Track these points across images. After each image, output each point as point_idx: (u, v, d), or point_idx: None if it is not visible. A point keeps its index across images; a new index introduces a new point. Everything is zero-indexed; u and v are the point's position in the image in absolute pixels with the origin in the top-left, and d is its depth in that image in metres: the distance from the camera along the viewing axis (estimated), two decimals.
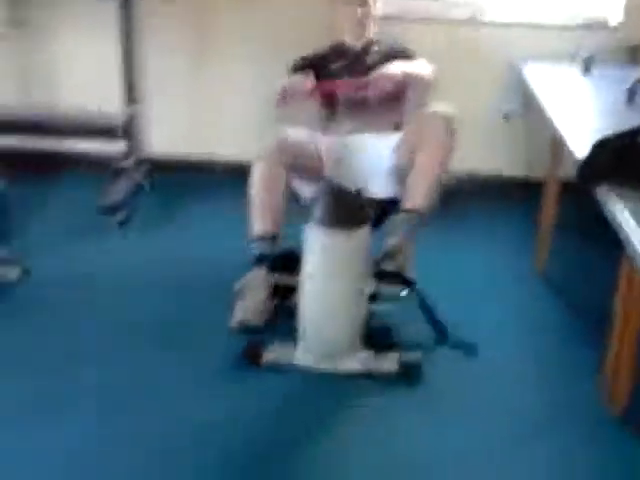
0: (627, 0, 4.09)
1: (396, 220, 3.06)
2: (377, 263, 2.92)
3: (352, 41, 3.43)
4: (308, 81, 3.09)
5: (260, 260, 3.06)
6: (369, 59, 3.37)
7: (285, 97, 3.04)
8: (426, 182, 3.06)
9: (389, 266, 2.95)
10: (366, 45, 3.43)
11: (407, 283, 2.95)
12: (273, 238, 3.09)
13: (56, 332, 3.02)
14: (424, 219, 3.06)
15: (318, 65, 3.35)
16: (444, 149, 3.08)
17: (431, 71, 3.27)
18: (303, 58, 3.42)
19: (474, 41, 4.23)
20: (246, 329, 2.91)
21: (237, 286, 3.03)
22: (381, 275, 2.90)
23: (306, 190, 3.15)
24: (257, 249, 3.08)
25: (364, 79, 3.06)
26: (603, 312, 2.74)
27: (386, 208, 3.13)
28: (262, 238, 3.09)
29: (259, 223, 3.10)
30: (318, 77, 3.23)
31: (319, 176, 3.04)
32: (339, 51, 3.43)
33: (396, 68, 3.12)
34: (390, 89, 3.09)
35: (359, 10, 3.35)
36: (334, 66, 3.39)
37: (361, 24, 3.39)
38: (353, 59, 3.40)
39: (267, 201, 3.11)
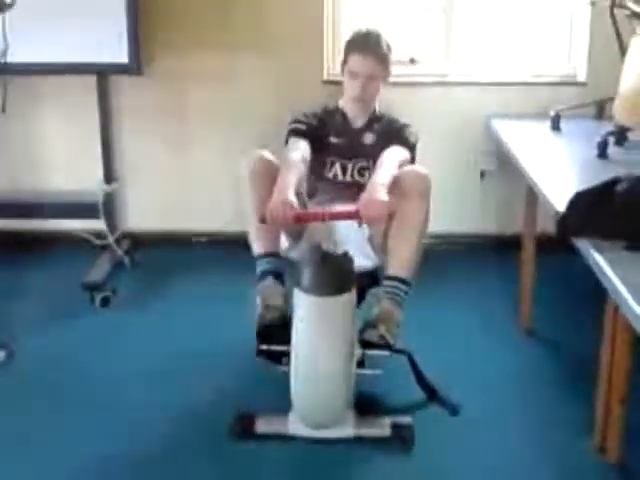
0: (591, 56, 4.20)
1: (379, 290, 3.02)
2: (360, 333, 2.89)
3: (352, 114, 3.26)
4: (292, 211, 2.75)
5: (264, 275, 3.02)
6: (367, 138, 3.24)
7: (265, 220, 2.79)
8: (409, 248, 2.97)
9: (372, 337, 2.91)
10: (368, 122, 3.26)
11: (390, 348, 2.93)
12: (273, 255, 3.03)
13: (41, 412, 2.99)
14: (411, 285, 3.02)
15: (317, 133, 3.18)
16: (424, 209, 2.98)
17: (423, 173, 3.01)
18: (304, 122, 3.19)
19: (447, 101, 4.32)
20: (269, 329, 2.89)
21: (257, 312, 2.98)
22: (365, 344, 2.89)
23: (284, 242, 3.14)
24: (260, 266, 3.03)
25: (353, 209, 2.78)
26: (590, 363, 2.76)
27: (364, 281, 3.02)
28: (263, 256, 3.03)
29: (257, 245, 3.03)
30: (314, 147, 3.11)
31: (298, 234, 3.04)
32: (341, 125, 3.26)
33: (382, 188, 2.80)
34: (381, 217, 2.81)
35: (364, 88, 3.15)
36: (333, 141, 3.23)
37: (364, 101, 3.21)
38: (351, 138, 3.24)
39: (261, 228, 2.96)
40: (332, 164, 3.25)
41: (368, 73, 3.14)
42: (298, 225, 2.95)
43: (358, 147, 3.23)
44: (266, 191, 2.86)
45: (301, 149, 3.07)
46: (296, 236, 3.10)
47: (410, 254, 2.99)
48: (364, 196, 2.79)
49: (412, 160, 3.15)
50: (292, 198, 2.78)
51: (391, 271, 3.01)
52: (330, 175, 3.26)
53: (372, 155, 3.16)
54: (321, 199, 3.24)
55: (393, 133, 3.19)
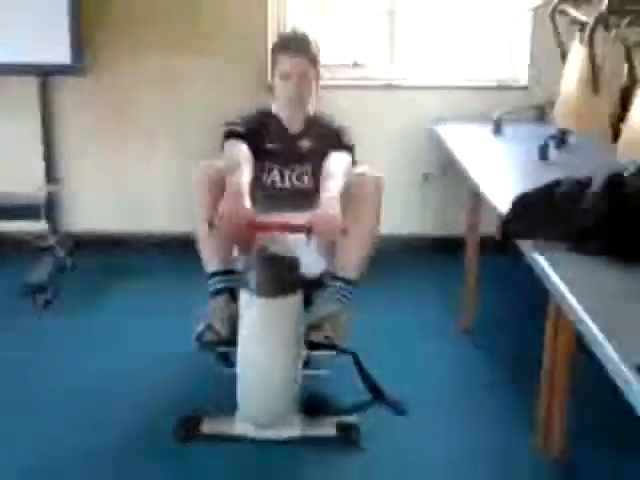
0: (532, 61, 4.27)
1: (327, 291, 3.03)
2: (305, 334, 2.89)
3: (287, 118, 3.17)
4: (248, 218, 2.71)
5: (217, 293, 3.00)
6: (304, 144, 3.16)
7: (213, 224, 2.72)
8: (358, 249, 2.97)
9: (317, 338, 2.92)
10: (304, 127, 3.18)
11: (336, 349, 2.95)
12: (227, 272, 3.00)
13: None
14: (357, 285, 3.04)
15: (254, 138, 3.09)
16: (375, 212, 3.00)
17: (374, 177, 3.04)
18: (241, 124, 3.11)
19: (390, 105, 4.35)
20: (210, 341, 2.89)
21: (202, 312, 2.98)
22: (312, 345, 2.91)
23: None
24: (213, 285, 3.01)
25: (306, 224, 2.72)
26: (531, 362, 2.80)
27: (312, 287, 3.03)
28: (217, 274, 3.00)
29: (211, 262, 2.99)
30: (254, 152, 3.04)
31: (248, 243, 2.95)
32: (277, 130, 3.17)
33: (333, 203, 2.76)
34: (333, 233, 2.76)
35: (297, 88, 3.08)
36: (270, 146, 3.15)
37: (298, 102, 3.12)
38: (288, 143, 3.16)
39: (212, 242, 2.95)
40: (270, 170, 3.18)
41: (299, 72, 3.06)
42: (246, 234, 2.81)
43: (295, 153, 3.17)
44: (215, 200, 2.80)
45: (242, 150, 3.01)
46: (245, 245, 2.97)
47: (359, 256, 3.00)
48: (317, 212, 2.75)
49: (353, 162, 3.13)
50: (248, 204, 2.74)
51: (339, 272, 3.03)
52: (269, 181, 3.18)
53: (310, 160, 3.14)
54: (262, 206, 3.06)
55: (331, 137, 3.13)
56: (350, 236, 2.80)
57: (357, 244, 2.95)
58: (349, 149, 3.12)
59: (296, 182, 3.19)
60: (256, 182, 3.10)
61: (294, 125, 3.19)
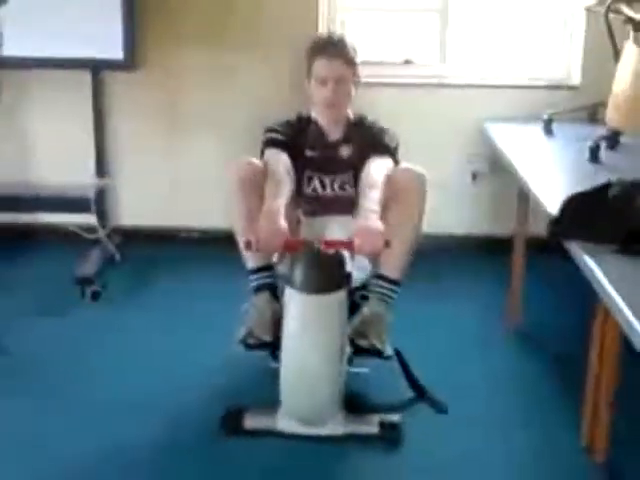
0: (585, 61, 4.21)
1: (371, 291, 3.00)
2: (351, 339, 2.88)
3: (326, 124, 3.12)
4: (282, 238, 2.68)
5: (259, 289, 2.99)
6: (344, 151, 3.10)
7: (250, 247, 2.69)
8: (402, 249, 2.91)
9: (362, 343, 2.90)
10: (344, 134, 3.12)
11: (381, 356, 2.93)
12: (267, 268, 2.99)
13: (29, 408, 2.98)
14: (400, 285, 3.01)
15: (293, 146, 3.06)
16: (418, 208, 2.94)
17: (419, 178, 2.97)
18: (281, 131, 3.08)
19: (441, 103, 4.33)
20: (254, 344, 2.87)
21: (244, 308, 2.99)
22: (356, 350, 2.90)
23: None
24: (254, 281, 3.00)
25: (348, 240, 2.69)
26: (578, 364, 2.77)
27: (357, 293, 3.01)
28: (257, 270, 2.99)
29: (251, 259, 2.97)
30: (295, 159, 3.02)
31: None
32: (316, 138, 3.12)
33: (375, 216, 2.70)
34: (377, 248, 2.70)
35: (334, 92, 3.00)
36: (309, 154, 3.10)
37: (336, 107, 3.07)
38: (328, 151, 3.11)
39: None
40: (310, 179, 3.13)
41: (337, 76, 2.99)
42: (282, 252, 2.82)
43: (336, 162, 3.11)
44: (253, 201, 2.82)
45: (283, 162, 2.97)
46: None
47: (403, 255, 2.96)
48: (358, 227, 2.69)
49: (396, 163, 3.06)
50: (283, 224, 2.69)
51: (382, 270, 3.01)
52: (309, 190, 3.14)
53: (351, 168, 3.08)
54: (304, 211, 3.12)
55: (371, 142, 3.06)
56: (394, 235, 2.75)
57: (401, 243, 2.88)
58: (390, 151, 3.06)
59: (338, 190, 3.14)
60: (297, 190, 3.07)
61: (334, 132, 3.13)
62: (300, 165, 3.07)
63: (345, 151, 3.12)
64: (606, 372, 2.57)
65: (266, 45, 4.28)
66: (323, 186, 3.14)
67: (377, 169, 2.94)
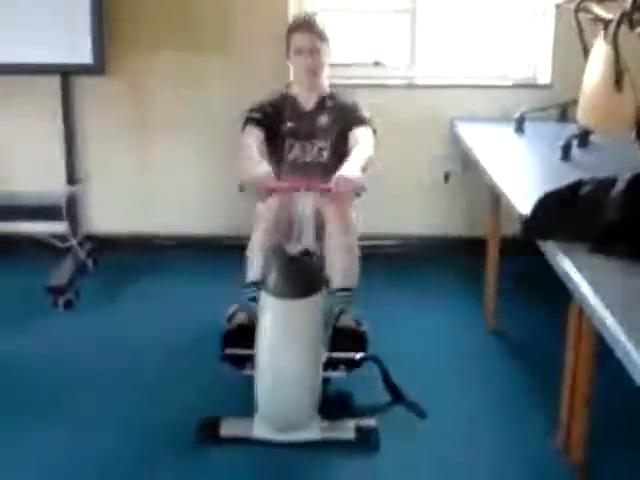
0: (555, 59, 4.22)
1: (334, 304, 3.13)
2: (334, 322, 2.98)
3: (304, 92, 3.43)
4: (269, 181, 2.95)
5: (254, 300, 3.05)
6: (321, 120, 3.40)
7: (244, 190, 2.96)
8: (350, 256, 3.16)
9: (347, 321, 3.05)
10: (318, 104, 3.43)
11: (361, 345, 2.94)
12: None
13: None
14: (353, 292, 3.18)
15: (272, 122, 3.37)
16: (349, 212, 3.20)
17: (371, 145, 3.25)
18: (258, 110, 3.38)
19: (410, 104, 4.32)
20: (236, 332, 2.99)
21: (229, 311, 3.10)
22: (337, 336, 2.95)
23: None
24: (251, 293, 3.10)
25: (327, 184, 2.92)
26: (554, 363, 2.77)
27: None
28: (254, 284, 3.08)
29: (251, 272, 3.13)
30: (271, 135, 3.33)
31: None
32: (293, 109, 3.42)
33: (354, 167, 2.97)
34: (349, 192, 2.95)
35: (310, 60, 3.36)
36: (289, 125, 3.39)
37: (312, 74, 3.39)
38: (305, 120, 3.40)
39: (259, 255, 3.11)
40: (291, 146, 3.40)
41: (311, 46, 3.35)
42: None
43: (314, 129, 3.40)
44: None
45: (255, 135, 3.29)
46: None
47: (352, 263, 3.18)
48: (337, 174, 2.92)
49: (374, 131, 3.34)
50: (266, 167, 3.00)
51: (339, 284, 3.12)
52: (292, 157, 3.39)
53: (329, 135, 3.38)
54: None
55: (347, 115, 3.37)
56: (338, 247, 3.10)
57: (347, 252, 3.15)
58: (368, 122, 3.35)
59: (316, 156, 3.40)
60: (280, 159, 3.38)
61: (309, 103, 3.44)
62: (281, 136, 3.39)
63: (322, 120, 3.42)
64: (582, 371, 2.56)
65: (235, 47, 4.26)
66: (304, 152, 3.40)
67: (361, 137, 3.26)
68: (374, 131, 3.34)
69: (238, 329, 3.02)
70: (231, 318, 3.09)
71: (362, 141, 3.22)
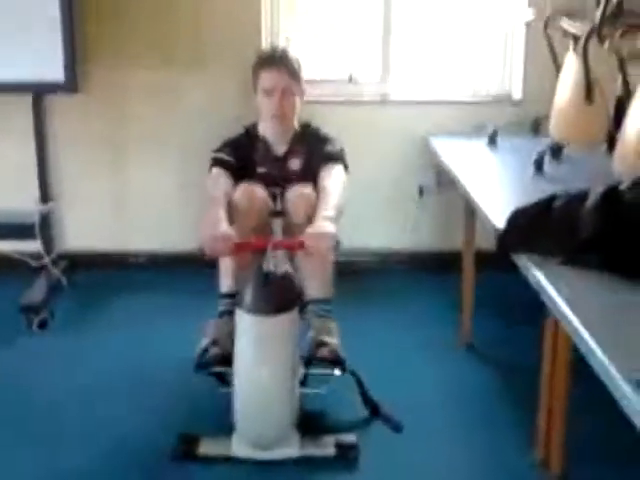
0: (526, 75, 4.26)
1: (309, 315, 3.06)
2: (310, 354, 2.92)
3: (273, 138, 3.23)
4: (231, 241, 2.76)
5: (223, 314, 3.03)
6: (293, 164, 3.21)
7: (205, 253, 2.80)
8: (324, 266, 3.03)
9: (324, 353, 2.94)
10: (289, 147, 3.24)
11: (338, 363, 2.95)
12: (234, 295, 2.98)
13: None
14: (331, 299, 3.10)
15: (243, 164, 3.16)
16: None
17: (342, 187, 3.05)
18: (227, 150, 3.18)
19: (384, 120, 4.33)
20: (215, 358, 2.90)
21: (203, 328, 3.01)
22: (314, 360, 2.92)
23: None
24: (221, 305, 3.06)
25: (298, 240, 2.79)
26: (531, 377, 2.78)
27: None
28: (225, 296, 3.05)
29: (223, 283, 3.05)
30: (242, 177, 3.10)
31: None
32: (264, 153, 3.22)
33: (326, 220, 2.79)
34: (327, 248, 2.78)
35: (279, 102, 3.12)
36: (259, 170, 3.19)
37: (282, 117, 3.16)
38: (276, 166, 3.21)
39: (227, 265, 3.03)
40: None
41: (282, 86, 3.11)
42: (241, 255, 2.90)
43: (285, 174, 3.19)
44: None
45: (225, 184, 3.06)
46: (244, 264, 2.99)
47: (327, 273, 3.05)
48: (311, 229, 2.76)
49: (345, 167, 3.16)
50: (228, 229, 2.78)
51: (314, 294, 3.05)
52: None
53: (301, 179, 3.14)
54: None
55: (319, 153, 3.15)
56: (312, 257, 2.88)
57: (321, 263, 2.99)
58: (339, 157, 3.15)
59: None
60: None
61: (280, 146, 3.23)
62: (253, 180, 3.12)
63: (294, 164, 3.21)
64: (559, 383, 2.57)
65: (210, 64, 4.26)
66: (274, 199, 3.14)
67: (331, 177, 3.04)
68: (345, 167, 3.17)
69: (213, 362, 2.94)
70: (203, 354, 2.95)
71: (332, 184, 2.99)
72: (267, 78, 3.13)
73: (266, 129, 3.23)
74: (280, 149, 3.23)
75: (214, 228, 2.78)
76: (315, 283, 3.05)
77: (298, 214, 2.99)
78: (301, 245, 2.76)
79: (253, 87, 3.20)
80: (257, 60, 3.24)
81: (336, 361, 2.94)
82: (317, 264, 2.98)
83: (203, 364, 2.93)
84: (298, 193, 3.03)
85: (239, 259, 2.96)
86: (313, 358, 2.91)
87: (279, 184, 3.15)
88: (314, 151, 3.18)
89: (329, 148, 3.18)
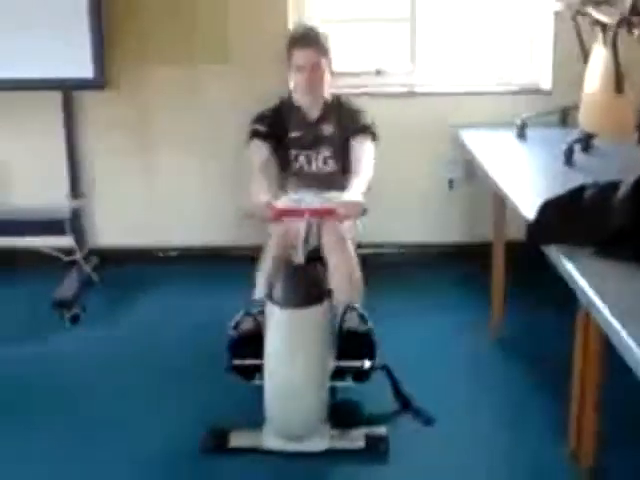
0: (555, 65, 4.23)
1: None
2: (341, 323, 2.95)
3: (307, 106, 3.45)
4: (272, 208, 3.05)
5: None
6: (325, 129, 3.44)
7: (250, 217, 3.15)
8: (350, 274, 3.12)
9: (352, 321, 2.97)
10: (322, 113, 3.45)
11: (369, 351, 2.94)
12: None
13: (9, 430, 2.96)
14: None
15: (278, 133, 3.40)
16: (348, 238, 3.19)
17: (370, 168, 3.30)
18: (263, 121, 3.43)
19: (412, 112, 4.32)
20: (241, 341, 2.93)
21: (235, 318, 3.03)
22: (344, 342, 2.92)
23: None
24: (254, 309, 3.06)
25: (328, 207, 3.08)
26: (562, 369, 2.77)
27: None
28: (259, 301, 3.05)
29: (258, 290, 3.08)
30: (276, 145, 3.37)
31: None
32: (297, 119, 3.45)
33: (357, 192, 3.09)
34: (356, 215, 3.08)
35: (311, 77, 3.35)
36: (293, 135, 3.43)
37: (314, 89, 3.39)
38: (309, 130, 3.44)
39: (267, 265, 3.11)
40: (296, 157, 3.45)
41: (312, 64, 3.34)
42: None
43: (318, 138, 3.43)
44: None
45: (264, 153, 3.36)
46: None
47: (355, 279, 3.15)
48: (343, 198, 3.04)
49: (375, 138, 3.40)
50: (270, 198, 3.07)
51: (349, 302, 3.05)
52: (297, 167, 3.45)
53: (333, 144, 3.43)
54: (294, 189, 3.44)
55: (351, 123, 3.41)
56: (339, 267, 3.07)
57: (348, 270, 3.12)
58: (370, 130, 3.39)
59: (322, 166, 3.45)
60: (285, 170, 3.46)
61: (313, 112, 3.46)
62: (286, 146, 3.43)
63: (327, 128, 3.45)
64: (590, 375, 2.56)
65: (236, 60, 4.27)
66: (309, 162, 3.45)
67: (364, 152, 3.32)
68: (375, 137, 3.39)
69: (245, 337, 2.95)
70: (237, 325, 3.01)
71: (364, 160, 3.27)
72: (299, 56, 3.36)
73: (299, 99, 3.46)
74: (313, 114, 3.45)
75: (257, 197, 3.08)
76: (340, 289, 3.05)
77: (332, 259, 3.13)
78: (332, 212, 3.01)
79: (287, 62, 3.42)
80: (289, 38, 3.48)
81: (365, 337, 2.98)
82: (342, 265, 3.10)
83: (235, 345, 2.93)
84: (334, 239, 3.16)
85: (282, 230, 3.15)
86: (343, 330, 2.94)
87: (311, 147, 3.43)
88: (346, 118, 3.42)
89: (361, 119, 3.41)
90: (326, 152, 3.43)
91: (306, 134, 3.44)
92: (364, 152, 3.33)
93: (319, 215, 3.10)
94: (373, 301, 3.20)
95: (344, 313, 2.99)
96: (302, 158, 3.44)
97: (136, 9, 4.19)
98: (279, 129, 3.42)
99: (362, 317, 3.01)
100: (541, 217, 2.40)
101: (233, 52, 4.27)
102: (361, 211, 3.00)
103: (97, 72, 4.04)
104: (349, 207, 3.02)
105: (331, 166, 3.45)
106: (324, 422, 2.80)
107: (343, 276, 3.09)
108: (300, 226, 3.03)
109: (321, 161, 3.44)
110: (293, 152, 3.44)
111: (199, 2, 4.23)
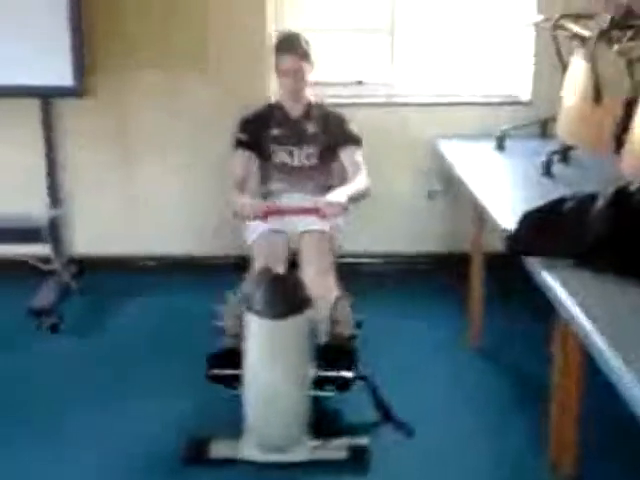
0: (535, 76, 4.26)
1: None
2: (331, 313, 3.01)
3: (289, 106, 3.58)
4: (260, 208, 3.20)
5: None
6: (308, 127, 3.57)
7: (238, 217, 3.26)
8: (329, 282, 3.18)
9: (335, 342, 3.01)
10: (304, 112, 3.58)
11: (351, 363, 2.94)
12: None
13: None
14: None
15: (258, 135, 3.54)
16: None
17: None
18: (245, 129, 3.56)
19: (392, 123, 4.34)
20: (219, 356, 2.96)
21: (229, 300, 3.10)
22: (328, 353, 2.93)
23: None
24: None
25: (313, 206, 3.20)
26: (542, 379, 2.78)
27: None
28: None
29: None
30: (260, 144, 3.52)
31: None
32: (280, 116, 3.58)
33: (342, 193, 3.23)
34: (338, 214, 3.22)
35: (293, 81, 3.49)
36: (276, 132, 3.57)
37: (296, 92, 3.55)
38: (293, 127, 3.57)
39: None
40: (276, 152, 3.56)
41: (294, 69, 3.49)
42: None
43: (301, 135, 3.57)
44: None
45: (244, 166, 3.51)
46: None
47: (332, 284, 3.17)
48: (326, 197, 3.18)
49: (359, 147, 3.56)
50: (254, 200, 3.27)
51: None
52: (278, 161, 3.57)
53: (316, 143, 3.56)
54: (276, 187, 3.58)
55: (336, 128, 3.56)
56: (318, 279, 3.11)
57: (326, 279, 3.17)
58: (359, 140, 3.56)
59: (305, 161, 3.57)
60: (269, 165, 3.58)
61: (295, 111, 3.60)
62: (268, 143, 3.56)
63: (310, 127, 3.58)
64: (570, 386, 2.57)
65: (216, 66, 4.27)
66: (292, 157, 3.57)
67: (357, 166, 3.49)
68: (360, 146, 3.54)
69: (224, 353, 2.98)
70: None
71: (358, 177, 3.42)
72: (282, 61, 3.51)
73: (283, 100, 3.62)
74: (295, 112, 3.59)
75: (240, 199, 3.26)
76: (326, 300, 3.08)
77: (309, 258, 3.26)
78: (317, 210, 3.13)
79: (274, 65, 3.57)
80: (275, 44, 3.66)
81: (346, 348, 3.04)
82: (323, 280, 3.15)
83: (212, 359, 2.95)
84: (313, 239, 3.32)
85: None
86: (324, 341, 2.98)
87: (295, 144, 3.56)
88: (333, 125, 3.57)
89: (349, 128, 3.57)
90: (310, 149, 3.55)
91: (289, 131, 3.57)
92: (357, 164, 3.49)
93: (304, 213, 3.24)
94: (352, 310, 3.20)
95: (335, 303, 3.05)
96: (284, 153, 3.56)
97: (116, 17, 4.19)
98: (260, 130, 3.56)
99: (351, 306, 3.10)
100: (521, 228, 2.41)
101: (213, 61, 4.27)
102: (342, 210, 3.15)
103: (76, 80, 4.02)
104: (331, 205, 3.14)
105: (313, 162, 3.56)
106: (305, 432, 2.79)
107: (319, 275, 3.14)
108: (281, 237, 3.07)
109: (304, 157, 3.55)
110: (273, 148, 3.55)
111: (179, 11, 4.24)
